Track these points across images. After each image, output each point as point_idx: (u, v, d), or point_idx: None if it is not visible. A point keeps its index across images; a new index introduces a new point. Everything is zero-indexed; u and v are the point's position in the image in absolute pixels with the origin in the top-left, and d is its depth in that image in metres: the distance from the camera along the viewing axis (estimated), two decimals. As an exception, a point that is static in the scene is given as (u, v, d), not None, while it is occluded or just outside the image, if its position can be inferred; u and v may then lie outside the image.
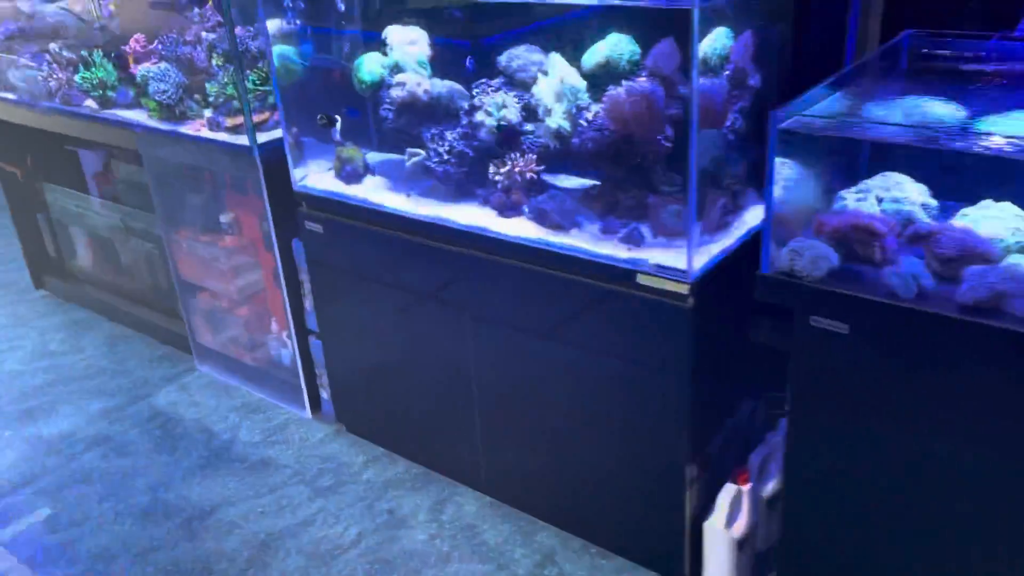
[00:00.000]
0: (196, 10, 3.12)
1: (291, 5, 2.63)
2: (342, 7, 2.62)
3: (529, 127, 2.34)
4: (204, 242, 3.37)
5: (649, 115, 2.07)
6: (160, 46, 3.13)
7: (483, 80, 2.46)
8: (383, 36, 2.62)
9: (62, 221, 4.26)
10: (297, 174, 2.79)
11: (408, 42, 2.59)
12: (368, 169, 2.75)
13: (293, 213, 2.84)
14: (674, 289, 2.04)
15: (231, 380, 3.56)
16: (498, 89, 2.41)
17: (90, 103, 3.41)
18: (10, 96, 3.73)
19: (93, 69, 3.31)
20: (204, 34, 3.10)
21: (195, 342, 3.65)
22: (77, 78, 3.36)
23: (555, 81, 2.20)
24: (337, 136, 2.69)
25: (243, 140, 2.87)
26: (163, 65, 3.07)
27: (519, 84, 2.40)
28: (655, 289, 2.07)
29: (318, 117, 2.64)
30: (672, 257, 2.07)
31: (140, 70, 3.14)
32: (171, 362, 3.74)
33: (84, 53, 3.35)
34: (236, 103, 2.93)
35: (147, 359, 3.78)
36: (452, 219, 2.43)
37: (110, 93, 3.33)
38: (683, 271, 2.03)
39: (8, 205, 4.28)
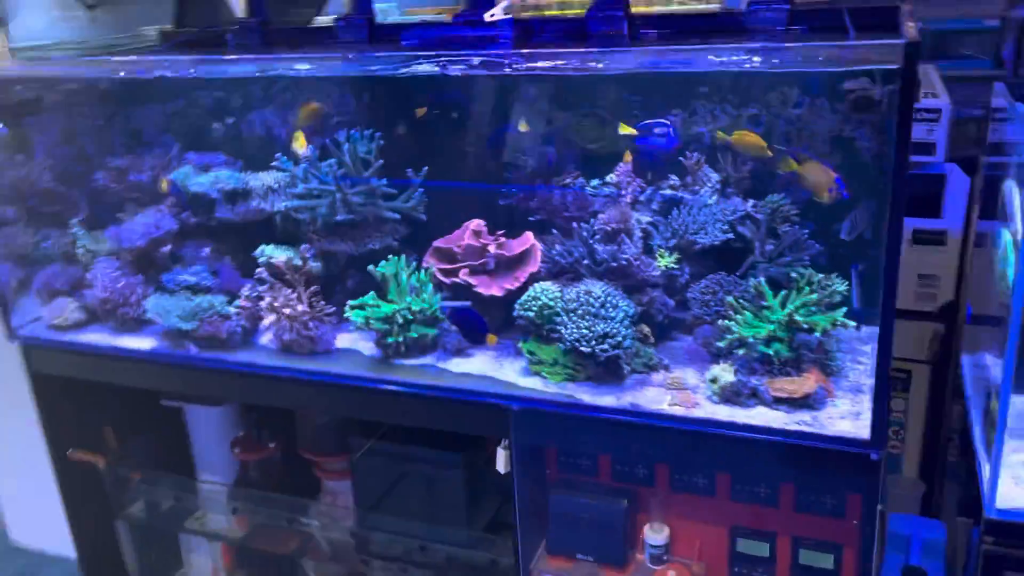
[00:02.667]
0: (602, 180, 1.74)
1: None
2: None
3: None
4: None
5: None
6: (564, 248, 1.69)
7: None
8: None
9: (159, 527, 2.51)
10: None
11: None
12: None
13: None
14: None
15: None
16: None
17: (354, 342, 1.87)
18: (136, 345, 2.06)
19: (397, 295, 1.79)
20: (634, 216, 1.73)
21: None
22: (353, 315, 1.81)
23: None
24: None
25: (840, 427, 1.52)
26: (598, 289, 1.64)
27: None
28: None
29: None
30: None
31: (534, 292, 1.68)
32: None
33: (374, 268, 1.82)
34: (779, 348, 1.57)
35: None
36: None
37: (424, 332, 1.81)
38: None
39: (66, 511, 2.46)
